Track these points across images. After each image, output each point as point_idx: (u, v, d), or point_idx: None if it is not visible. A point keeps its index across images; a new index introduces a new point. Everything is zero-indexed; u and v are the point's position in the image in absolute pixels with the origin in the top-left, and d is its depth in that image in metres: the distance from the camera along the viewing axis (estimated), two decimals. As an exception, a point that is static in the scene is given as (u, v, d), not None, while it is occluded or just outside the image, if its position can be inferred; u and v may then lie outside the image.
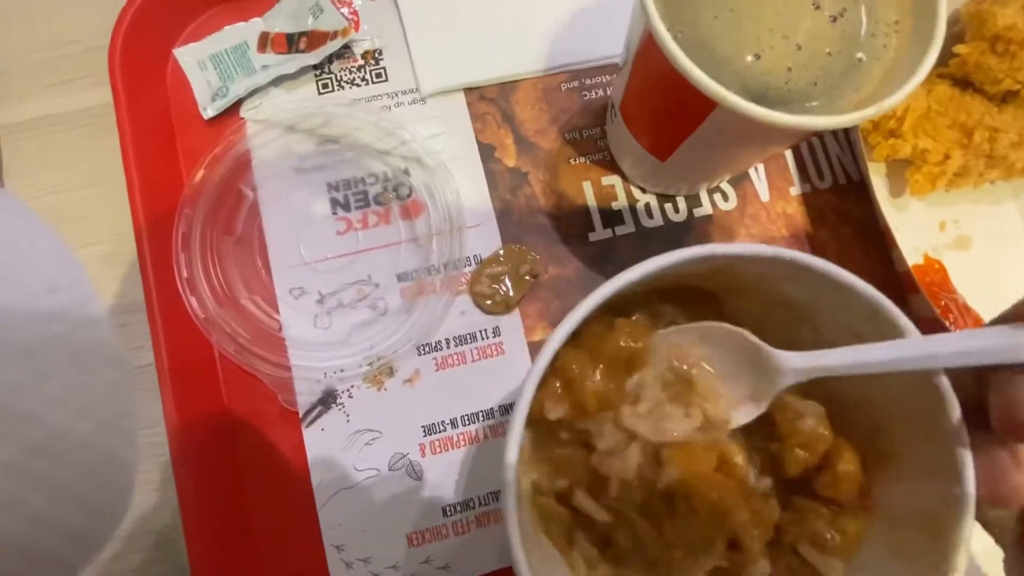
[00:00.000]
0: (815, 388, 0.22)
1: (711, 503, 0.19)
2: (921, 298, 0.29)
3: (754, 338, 0.20)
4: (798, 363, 0.19)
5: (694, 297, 0.25)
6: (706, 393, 0.21)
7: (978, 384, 0.18)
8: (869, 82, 0.21)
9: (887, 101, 0.19)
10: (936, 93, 0.31)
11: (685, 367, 0.22)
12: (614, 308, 0.24)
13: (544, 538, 0.22)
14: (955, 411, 0.18)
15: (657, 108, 0.24)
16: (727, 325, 0.21)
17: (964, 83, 0.32)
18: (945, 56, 0.32)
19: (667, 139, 0.25)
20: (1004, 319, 0.18)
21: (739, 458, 0.20)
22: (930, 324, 0.29)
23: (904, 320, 0.18)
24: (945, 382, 0.18)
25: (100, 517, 0.13)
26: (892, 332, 0.19)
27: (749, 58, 0.21)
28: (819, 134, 0.35)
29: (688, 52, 0.20)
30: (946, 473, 0.18)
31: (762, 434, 0.22)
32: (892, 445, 0.21)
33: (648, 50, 0.21)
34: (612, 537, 0.21)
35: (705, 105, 0.20)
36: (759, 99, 0.20)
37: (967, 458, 0.18)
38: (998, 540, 0.18)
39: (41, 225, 0.13)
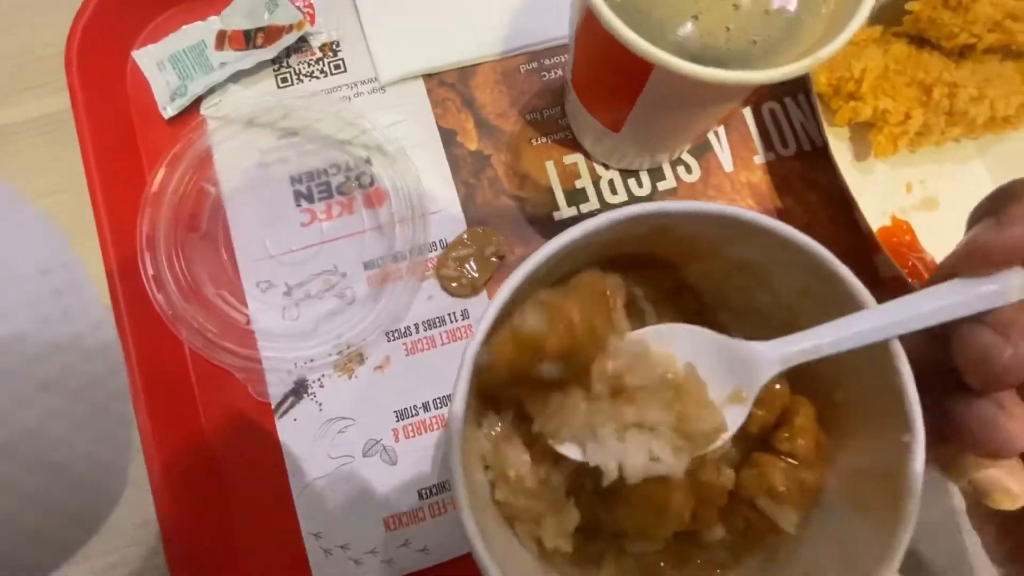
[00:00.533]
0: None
1: (651, 503, 0.19)
2: (885, 258, 0.29)
3: (725, 337, 0.20)
4: (776, 353, 0.19)
5: (651, 265, 0.25)
6: (697, 403, 0.19)
7: (934, 346, 0.18)
8: (809, 38, 0.21)
9: (822, 52, 0.19)
10: (893, 52, 0.31)
11: (671, 374, 0.20)
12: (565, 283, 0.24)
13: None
14: (903, 363, 0.18)
15: (602, 77, 0.24)
16: (696, 327, 0.20)
17: (920, 41, 0.32)
18: (899, 14, 0.32)
19: (616, 108, 0.25)
20: (947, 273, 0.18)
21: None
22: (897, 283, 0.29)
23: (845, 271, 0.18)
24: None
25: (95, 498, 0.13)
26: (839, 287, 0.19)
27: (687, 20, 0.21)
28: (772, 94, 0.35)
29: (625, 18, 0.20)
30: (897, 423, 0.18)
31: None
32: (846, 400, 0.21)
33: (588, 20, 0.21)
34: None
35: (643, 68, 0.20)
36: (698, 60, 0.20)
37: (916, 407, 0.18)
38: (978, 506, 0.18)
39: (30, 208, 0.13)
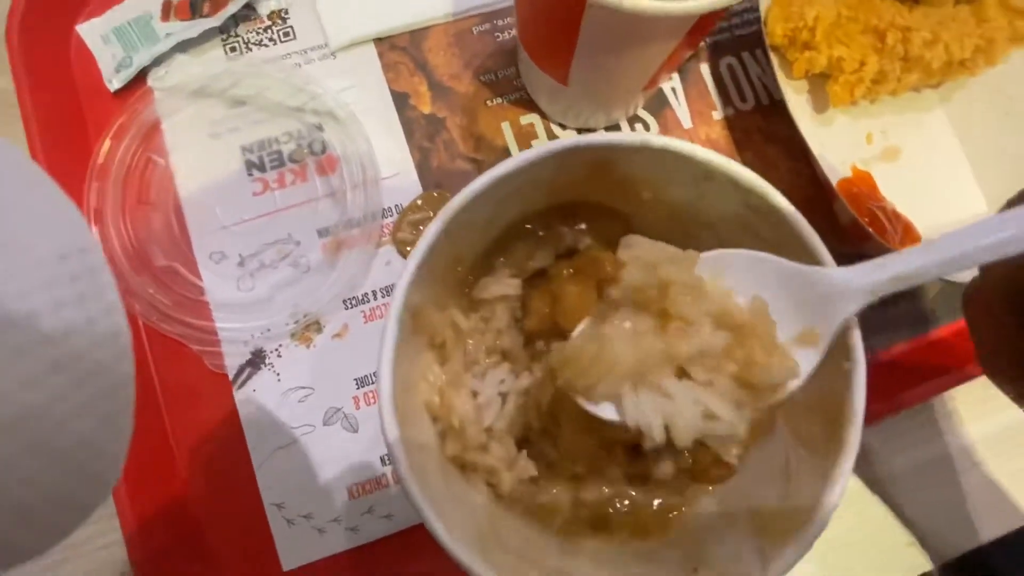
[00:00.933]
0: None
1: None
2: (841, 204, 0.29)
3: (795, 264, 0.17)
4: (866, 280, 0.16)
5: (602, 215, 0.24)
6: (765, 347, 0.16)
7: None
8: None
9: (753, -21, 0.19)
10: (845, -1, 0.31)
11: (734, 312, 0.16)
12: (514, 235, 0.23)
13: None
14: (840, 294, 0.18)
15: (540, 23, 0.24)
16: (758, 253, 0.18)
17: (873, -14, 0.31)
18: (851, -41, 0.31)
19: (559, 56, 0.25)
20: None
21: None
22: (855, 229, 0.29)
23: (778, 196, 0.18)
24: (829, 259, 0.18)
25: (91, 485, 0.13)
26: (773, 214, 0.19)
27: (621, -43, 0.21)
28: (729, 48, 0.34)
29: None
30: (838, 352, 0.18)
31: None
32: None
33: None
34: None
35: (576, 5, 0.20)
36: (633, -3, 0.20)
37: (856, 335, 0.18)
38: None
39: (53, 188, 0.13)
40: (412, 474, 0.16)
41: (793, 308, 0.17)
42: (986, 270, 0.16)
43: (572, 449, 0.20)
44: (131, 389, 0.13)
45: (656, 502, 0.21)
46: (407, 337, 0.18)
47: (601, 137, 0.18)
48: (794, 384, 0.17)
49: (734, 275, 0.18)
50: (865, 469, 0.31)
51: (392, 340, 0.17)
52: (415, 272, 0.18)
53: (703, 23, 0.21)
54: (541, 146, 0.18)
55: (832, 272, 0.16)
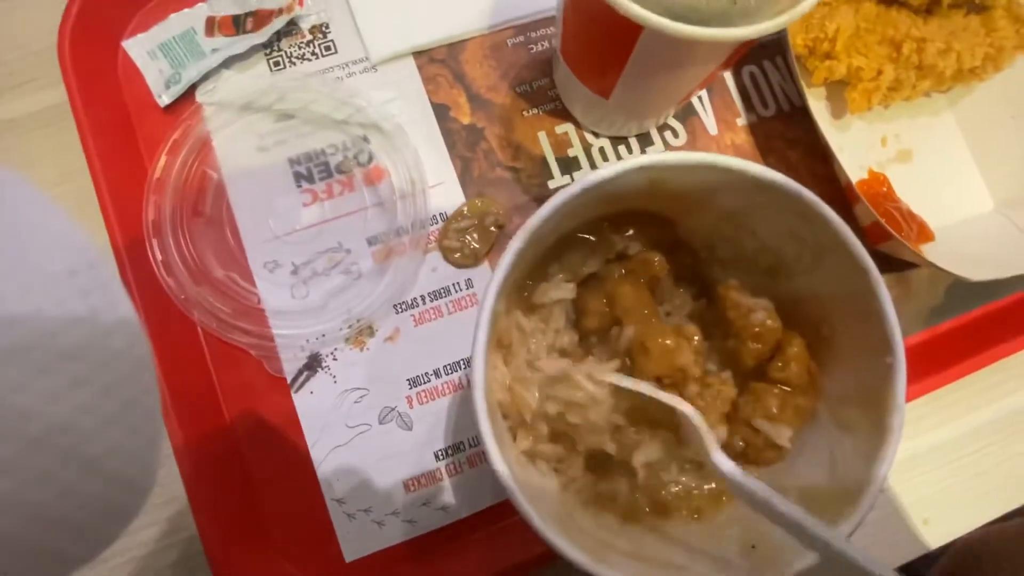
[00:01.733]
0: (763, 289, 0.24)
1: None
2: (863, 206, 0.31)
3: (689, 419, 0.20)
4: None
5: (649, 222, 0.26)
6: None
7: None
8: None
9: (797, 8, 0.20)
10: (863, 12, 0.33)
11: None
12: (567, 243, 0.25)
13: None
14: (882, 289, 0.20)
15: (592, 43, 0.25)
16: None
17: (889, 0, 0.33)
18: (869, -26, 0.33)
19: (606, 74, 0.26)
20: None
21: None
22: (875, 229, 0.31)
23: (827, 210, 0.20)
24: (871, 262, 0.20)
25: (127, 491, 0.13)
26: (823, 226, 0.20)
27: (671, -17, 0.22)
28: (751, 58, 0.36)
29: None
30: (880, 347, 0.20)
31: (719, 334, 0.24)
32: (833, 332, 0.22)
33: None
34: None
35: (632, 31, 0.21)
36: (682, 21, 0.21)
37: (896, 330, 0.20)
38: None
39: (56, 210, 0.13)
40: (504, 463, 0.18)
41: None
42: None
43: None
44: (155, 396, 0.14)
45: (707, 487, 0.23)
46: (489, 339, 0.20)
47: (670, 157, 0.20)
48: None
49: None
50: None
51: (483, 343, 0.19)
52: (501, 283, 0.19)
53: (744, 45, 0.23)
54: (610, 167, 0.20)
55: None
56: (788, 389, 0.22)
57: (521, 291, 0.25)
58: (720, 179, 0.20)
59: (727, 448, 0.22)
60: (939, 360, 0.33)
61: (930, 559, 0.35)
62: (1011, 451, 0.35)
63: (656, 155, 0.20)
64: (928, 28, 0.32)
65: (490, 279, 0.19)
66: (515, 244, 0.19)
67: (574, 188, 0.20)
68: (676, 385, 0.23)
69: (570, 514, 0.21)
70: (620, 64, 0.24)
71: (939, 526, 0.33)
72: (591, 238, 0.25)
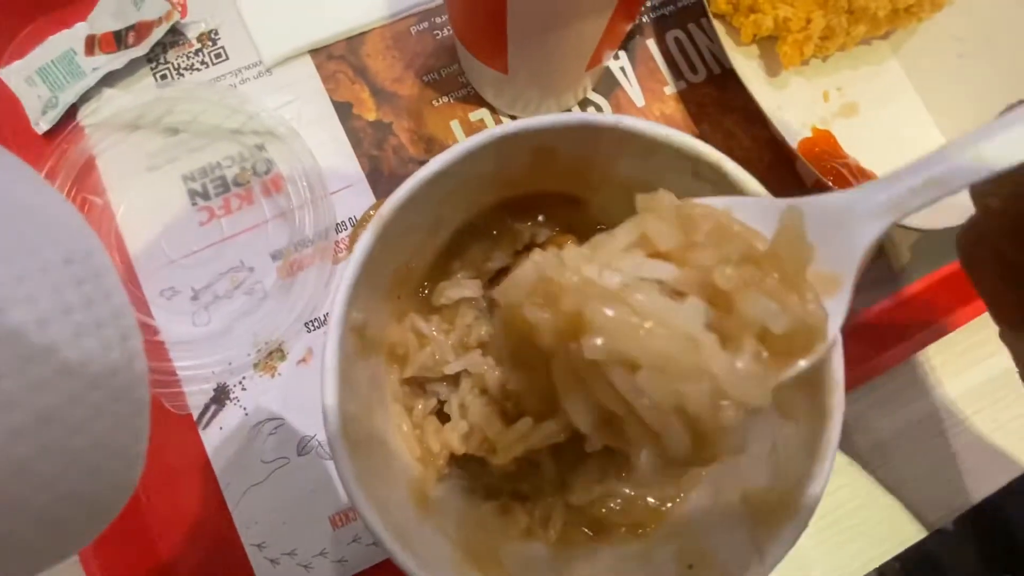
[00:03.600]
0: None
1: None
2: (802, 164, 0.28)
3: (792, 200, 0.14)
4: (884, 195, 0.13)
5: (556, 204, 0.23)
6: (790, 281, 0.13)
7: None
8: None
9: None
10: (784, -43, 0.30)
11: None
12: (468, 236, 0.22)
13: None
14: (857, 219, 0.17)
15: (468, 12, 0.23)
16: (748, 199, 0.15)
17: (810, -58, 0.31)
18: (784, -83, 0.31)
19: (494, 42, 0.24)
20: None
21: None
22: (820, 187, 0.28)
23: (726, 161, 0.17)
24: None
25: (111, 487, 0.13)
26: (724, 181, 0.18)
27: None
28: (675, 21, 0.33)
29: None
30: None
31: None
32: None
33: None
34: None
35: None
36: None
37: (830, 303, 0.17)
38: None
39: (54, 195, 0.13)
40: (371, 506, 0.15)
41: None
42: (985, 205, 0.14)
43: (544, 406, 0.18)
44: (145, 389, 0.13)
45: (650, 499, 0.20)
46: (355, 360, 0.17)
47: (531, 121, 0.17)
48: (823, 348, 0.13)
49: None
50: (853, 438, 0.31)
51: (334, 371, 0.16)
52: (351, 290, 0.16)
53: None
54: (466, 140, 0.17)
55: (838, 196, 0.13)
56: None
57: (417, 292, 0.22)
58: (602, 142, 0.18)
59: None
60: (902, 330, 0.30)
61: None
62: (1003, 418, 0.32)
63: (520, 121, 0.17)
64: (854, -32, 0.30)
65: (335, 290, 0.16)
66: (363, 241, 0.17)
67: (427, 170, 0.17)
68: None
69: (492, 551, 0.18)
70: (501, 30, 0.22)
71: (932, 506, 0.30)
72: (493, 230, 0.23)
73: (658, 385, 0.12)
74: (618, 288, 0.13)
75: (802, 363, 0.14)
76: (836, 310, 0.14)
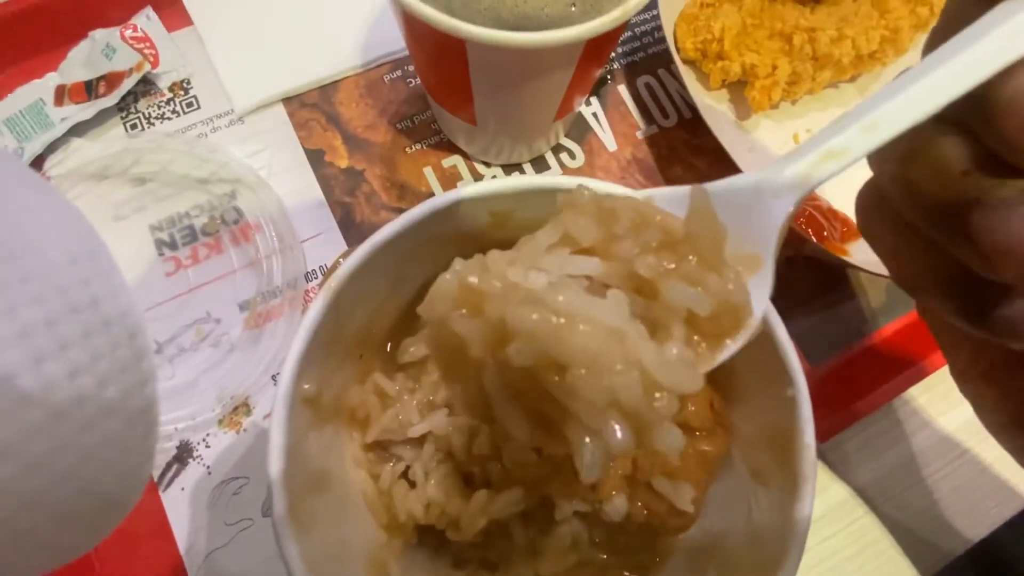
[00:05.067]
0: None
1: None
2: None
3: (703, 185, 0.14)
4: (792, 167, 0.13)
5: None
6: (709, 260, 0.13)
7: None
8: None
9: (632, 1, 0.18)
10: (747, 7, 0.31)
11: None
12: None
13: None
14: (777, 321, 0.17)
15: (433, 67, 0.23)
16: (665, 189, 0.15)
17: (772, -8, 0.31)
18: (746, -31, 0.31)
19: (460, 96, 0.24)
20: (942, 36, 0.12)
21: None
22: (789, 231, 0.28)
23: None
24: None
25: (123, 482, 0.13)
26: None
27: (502, -8, 0.20)
28: (645, 68, 0.34)
29: (435, 2, 0.19)
30: (778, 378, 0.17)
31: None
32: (735, 361, 0.19)
33: (404, 14, 0.20)
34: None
35: (458, 45, 0.19)
36: (518, 29, 0.19)
37: (795, 361, 0.17)
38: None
39: (59, 196, 0.13)
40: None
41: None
42: (881, 169, 0.14)
43: (518, 465, 0.17)
44: (154, 387, 0.13)
45: (625, 573, 0.19)
46: (307, 433, 0.17)
47: (483, 187, 0.17)
48: (751, 325, 0.13)
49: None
50: (841, 483, 0.30)
51: (280, 449, 0.15)
52: (298, 365, 0.16)
53: (595, 48, 0.20)
54: (414, 209, 0.17)
55: (745, 178, 0.13)
56: (692, 434, 0.18)
57: (383, 350, 0.22)
58: (552, 204, 0.17)
59: (630, 519, 0.18)
60: (878, 374, 0.29)
61: None
62: (992, 455, 0.31)
63: (469, 188, 0.17)
64: (816, 17, 0.30)
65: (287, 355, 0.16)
66: (313, 309, 0.16)
67: (378, 237, 0.17)
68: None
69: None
70: (465, 84, 0.22)
71: (931, 545, 0.30)
72: None
73: (589, 383, 0.12)
74: (545, 289, 0.12)
75: (733, 343, 0.13)
76: (760, 287, 0.14)
